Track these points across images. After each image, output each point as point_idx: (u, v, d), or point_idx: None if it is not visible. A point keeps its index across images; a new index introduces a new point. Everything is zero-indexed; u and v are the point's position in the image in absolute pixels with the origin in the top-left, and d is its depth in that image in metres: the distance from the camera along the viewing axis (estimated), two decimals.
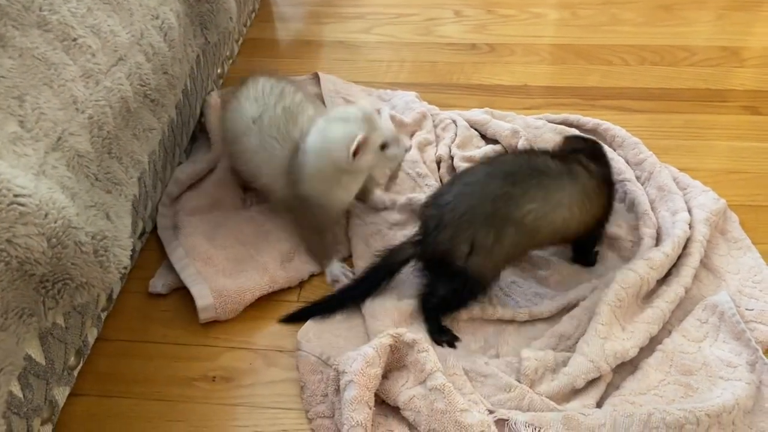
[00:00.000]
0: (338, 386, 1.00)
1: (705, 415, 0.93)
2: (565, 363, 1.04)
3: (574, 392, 1.02)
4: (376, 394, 0.99)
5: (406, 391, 1.00)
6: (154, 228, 1.31)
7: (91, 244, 0.87)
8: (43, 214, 0.79)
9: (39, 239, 0.78)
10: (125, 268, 0.95)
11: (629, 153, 1.37)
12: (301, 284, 1.24)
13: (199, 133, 1.52)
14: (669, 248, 1.14)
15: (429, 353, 1.01)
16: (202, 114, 1.51)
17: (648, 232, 1.21)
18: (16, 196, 0.76)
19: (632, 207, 1.28)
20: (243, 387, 1.09)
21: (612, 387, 1.04)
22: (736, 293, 1.13)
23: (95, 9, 1.01)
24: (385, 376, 1.01)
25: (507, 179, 1.07)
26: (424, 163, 1.40)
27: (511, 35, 1.82)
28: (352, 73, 1.70)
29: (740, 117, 1.52)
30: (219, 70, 1.65)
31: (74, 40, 0.95)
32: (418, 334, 1.04)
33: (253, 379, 1.10)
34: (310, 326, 1.14)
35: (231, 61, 1.76)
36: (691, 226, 1.20)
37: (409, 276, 1.18)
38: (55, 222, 0.80)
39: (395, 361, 1.03)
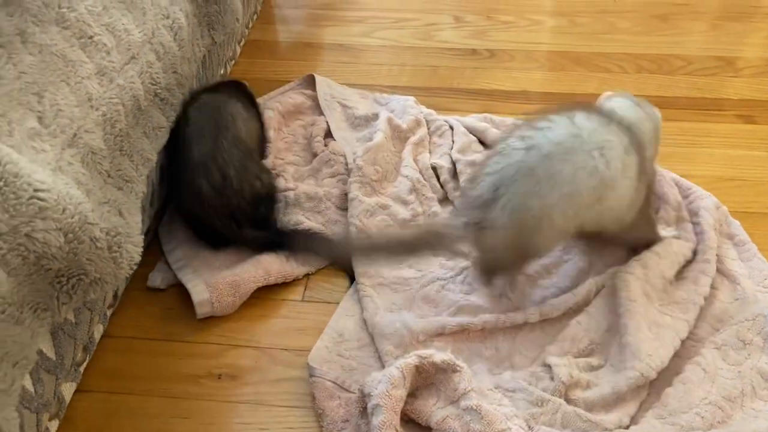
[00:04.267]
0: (363, 407, 0.99)
1: None
2: (589, 366, 1.04)
3: (615, 402, 1.01)
4: (403, 413, 0.97)
5: (438, 411, 0.97)
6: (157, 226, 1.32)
7: (106, 240, 0.87)
8: (61, 209, 0.80)
9: (56, 234, 0.79)
10: (136, 264, 0.96)
11: None
12: (306, 283, 1.25)
13: None
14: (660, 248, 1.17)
15: (462, 373, 0.99)
16: None
17: None
18: (36, 191, 0.77)
19: None
20: (248, 385, 1.10)
21: (652, 396, 1.03)
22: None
23: (111, 7, 1.01)
24: (412, 394, 0.99)
25: None
26: (419, 171, 1.40)
27: (510, 41, 1.84)
28: (353, 76, 1.72)
29: (735, 126, 1.55)
30: (222, 71, 1.66)
31: (90, 37, 0.96)
32: (445, 354, 1.01)
33: (258, 377, 1.11)
34: (319, 350, 1.12)
35: (233, 62, 1.77)
36: (699, 231, 1.23)
37: (416, 296, 1.19)
38: (72, 217, 0.81)
39: (422, 380, 1.01)
